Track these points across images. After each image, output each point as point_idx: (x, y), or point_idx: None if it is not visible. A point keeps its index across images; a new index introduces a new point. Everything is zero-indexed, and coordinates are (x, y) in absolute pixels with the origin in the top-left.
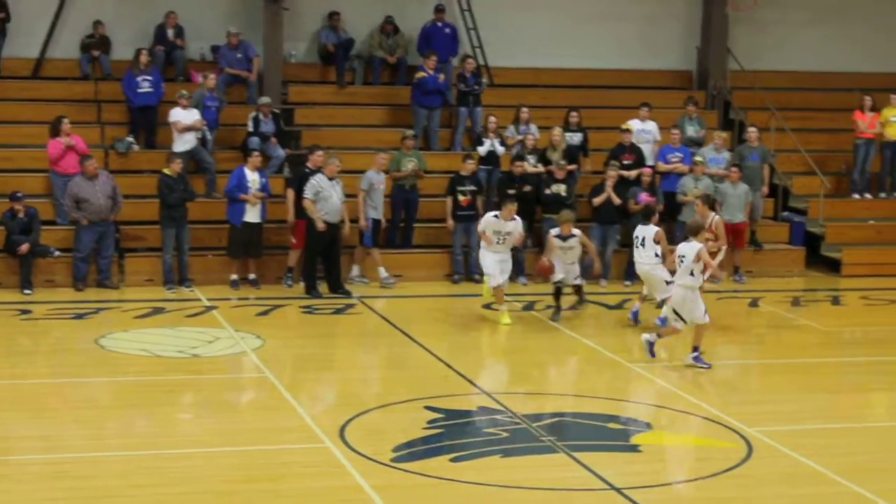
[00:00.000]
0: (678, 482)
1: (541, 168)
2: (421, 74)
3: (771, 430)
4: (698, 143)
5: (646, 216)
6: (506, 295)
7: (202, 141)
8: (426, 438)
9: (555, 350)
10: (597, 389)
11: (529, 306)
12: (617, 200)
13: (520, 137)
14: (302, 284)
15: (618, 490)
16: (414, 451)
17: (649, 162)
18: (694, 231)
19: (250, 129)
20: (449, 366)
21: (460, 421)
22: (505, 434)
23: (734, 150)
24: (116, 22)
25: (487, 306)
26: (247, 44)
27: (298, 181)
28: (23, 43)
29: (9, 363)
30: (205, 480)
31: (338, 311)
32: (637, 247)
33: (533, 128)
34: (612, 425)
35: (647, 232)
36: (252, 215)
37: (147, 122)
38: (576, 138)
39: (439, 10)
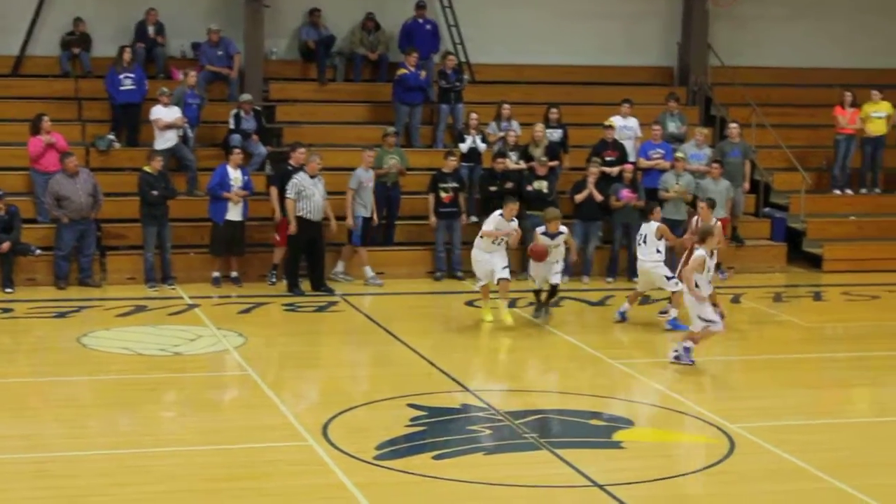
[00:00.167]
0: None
1: (522, 165)
2: (402, 71)
3: (753, 427)
4: (679, 139)
5: (644, 213)
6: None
7: (183, 138)
8: (409, 436)
9: (538, 347)
10: (579, 386)
11: (512, 303)
12: (599, 197)
13: (501, 134)
14: (285, 282)
15: (600, 487)
16: (397, 448)
17: (631, 158)
18: (702, 237)
19: (231, 126)
20: (432, 363)
21: (443, 418)
22: (488, 431)
23: (715, 147)
24: (97, 19)
25: (470, 303)
26: (227, 41)
27: (281, 178)
28: (2, 40)
29: None
30: (187, 479)
31: (320, 309)
32: (639, 244)
33: (514, 124)
34: (594, 422)
35: (649, 229)
36: (234, 213)
37: (130, 120)
38: (556, 135)
39: (420, 6)
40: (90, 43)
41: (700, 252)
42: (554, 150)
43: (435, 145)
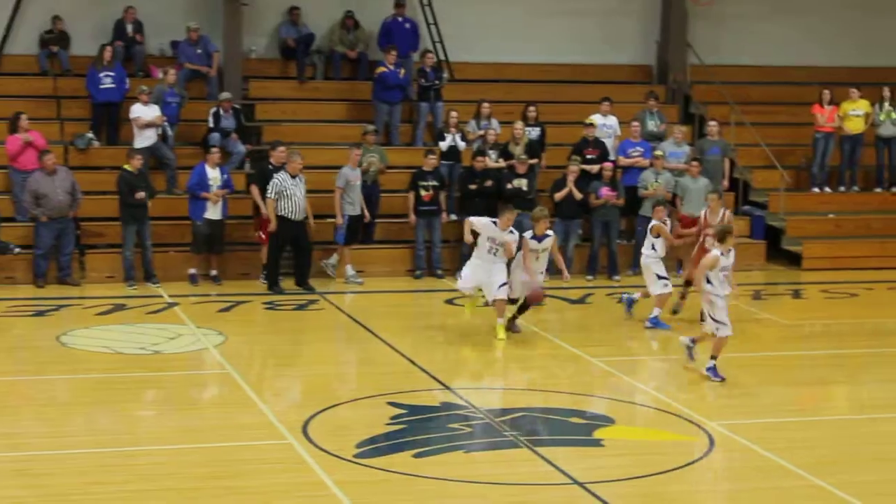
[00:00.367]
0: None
1: (502, 163)
2: (382, 69)
3: (733, 424)
4: (659, 137)
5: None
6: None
7: (163, 137)
8: (389, 434)
9: (518, 345)
10: (560, 384)
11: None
12: (578, 195)
13: (481, 132)
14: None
15: (580, 485)
16: (377, 446)
17: (611, 157)
18: (721, 236)
19: (211, 124)
20: (412, 361)
21: (423, 417)
22: (468, 429)
23: (694, 144)
24: (75, 17)
25: (450, 301)
26: (206, 39)
27: (261, 177)
28: None
29: None
30: (167, 478)
31: (300, 308)
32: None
33: (494, 123)
34: (575, 420)
35: (648, 225)
36: (214, 212)
37: (109, 119)
38: (533, 133)
39: (399, 4)
40: (68, 41)
41: (715, 252)
42: (533, 149)
43: (414, 143)
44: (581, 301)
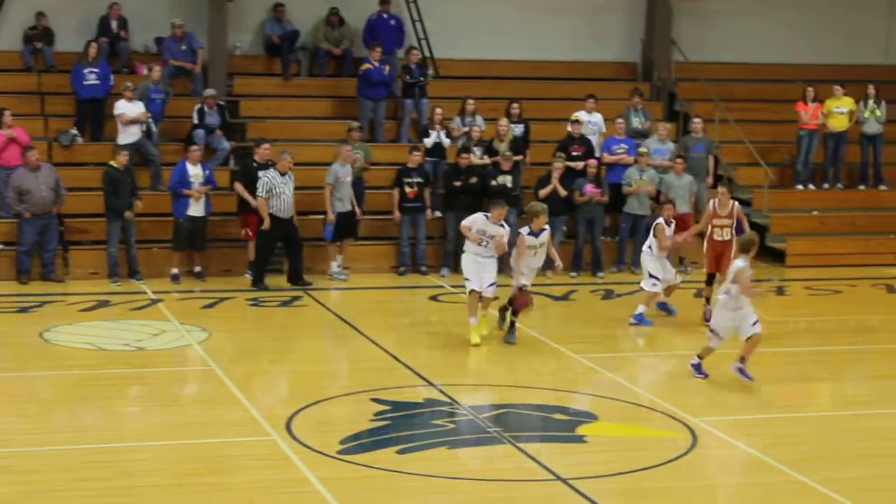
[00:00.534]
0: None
1: (486, 160)
2: (366, 66)
3: (716, 420)
4: (643, 134)
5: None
6: (452, 287)
7: (147, 133)
8: (373, 430)
9: (501, 342)
10: (543, 381)
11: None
12: (563, 192)
13: (465, 129)
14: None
15: (564, 481)
16: (361, 443)
17: (595, 154)
18: (745, 247)
19: (195, 121)
20: (395, 358)
21: (407, 413)
22: (451, 426)
23: (679, 141)
24: (59, 13)
25: (434, 297)
26: (191, 35)
27: (245, 174)
28: None
29: None
30: (151, 474)
31: (284, 304)
32: None
33: (479, 119)
34: (558, 416)
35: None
36: (196, 209)
37: (93, 115)
38: (517, 130)
39: (384, 1)
40: (53, 37)
41: (739, 263)
42: (517, 145)
43: (399, 140)
44: (565, 298)
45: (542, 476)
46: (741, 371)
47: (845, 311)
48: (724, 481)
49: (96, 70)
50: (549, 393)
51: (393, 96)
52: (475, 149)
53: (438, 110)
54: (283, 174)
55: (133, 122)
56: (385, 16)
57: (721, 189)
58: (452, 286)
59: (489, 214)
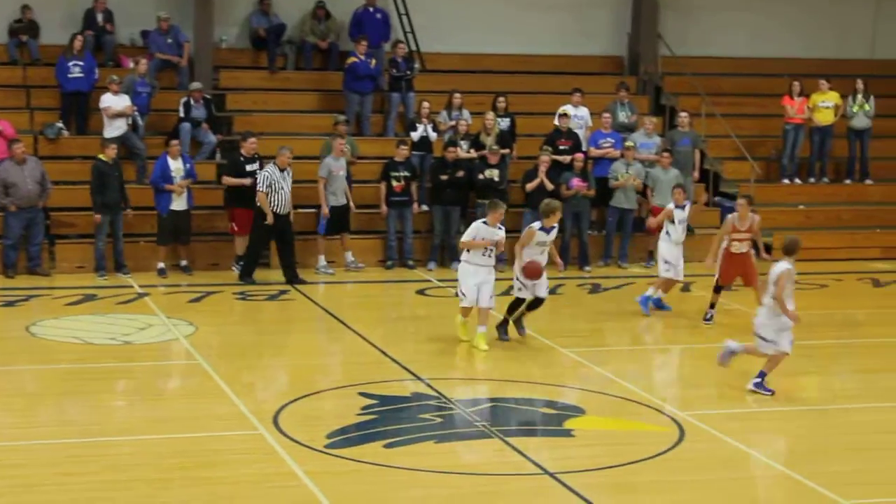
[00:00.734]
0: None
1: (473, 154)
2: (353, 60)
3: (703, 414)
4: (630, 128)
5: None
6: (439, 281)
7: (133, 127)
8: (360, 424)
9: (489, 336)
10: (531, 375)
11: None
12: (550, 186)
13: (452, 123)
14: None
15: (551, 475)
16: (348, 437)
17: (582, 148)
18: (789, 249)
19: (181, 114)
20: (383, 352)
21: (394, 407)
22: (439, 420)
23: (665, 135)
24: (45, 6)
25: (421, 291)
26: (177, 29)
27: (232, 167)
28: None
29: None
30: (137, 468)
31: (271, 298)
32: None
33: (465, 113)
34: (545, 410)
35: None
36: (179, 203)
37: (78, 108)
38: (504, 123)
39: None
40: (38, 30)
41: (784, 265)
42: (504, 139)
43: (386, 134)
44: (552, 292)
45: (529, 470)
46: (760, 386)
47: (831, 304)
48: (712, 475)
49: (81, 63)
50: (537, 387)
51: (379, 90)
52: (462, 143)
53: (425, 104)
54: (282, 170)
55: (119, 115)
56: (371, 9)
57: (740, 201)
58: (440, 280)
59: (486, 220)
